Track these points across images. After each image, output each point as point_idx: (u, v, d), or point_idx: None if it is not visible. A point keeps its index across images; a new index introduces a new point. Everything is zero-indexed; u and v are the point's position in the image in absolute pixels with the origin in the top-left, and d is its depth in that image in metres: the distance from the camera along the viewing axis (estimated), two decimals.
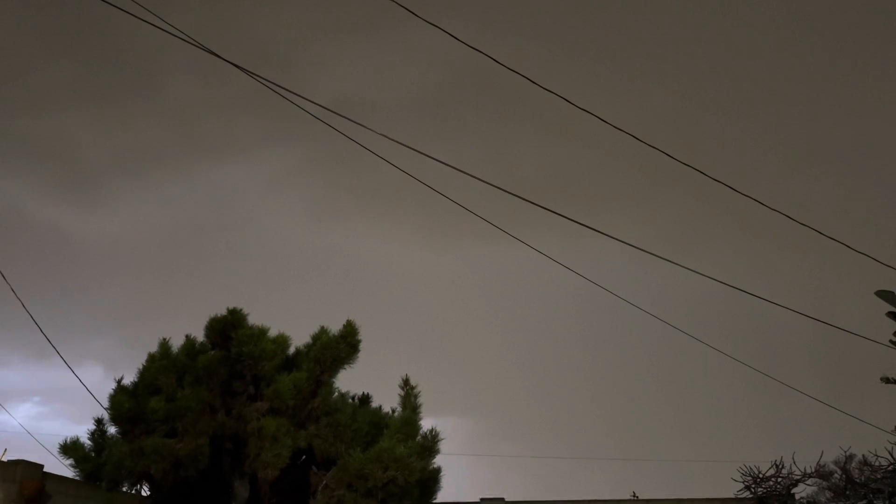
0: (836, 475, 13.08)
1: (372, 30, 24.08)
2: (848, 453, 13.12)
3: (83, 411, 10.84)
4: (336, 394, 11.21)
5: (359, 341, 11.03)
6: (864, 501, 12.70)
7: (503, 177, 9.45)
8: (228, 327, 10.80)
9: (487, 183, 8.83)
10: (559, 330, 27.58)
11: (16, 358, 26.17)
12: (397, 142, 8.56)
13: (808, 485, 13.35)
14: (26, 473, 10.21)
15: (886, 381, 7.92)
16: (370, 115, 8.89)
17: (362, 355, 11.08)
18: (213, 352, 10.94)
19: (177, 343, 11.26)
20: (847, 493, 12.84)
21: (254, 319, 10.95)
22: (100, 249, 28.38)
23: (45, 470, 10.61)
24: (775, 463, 13.30)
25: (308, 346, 11.12)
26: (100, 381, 12.13)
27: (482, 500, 13.96)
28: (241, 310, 10.99)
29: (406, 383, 11.21)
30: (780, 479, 13.23)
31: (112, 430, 10.77)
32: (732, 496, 13.48)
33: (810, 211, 10.02)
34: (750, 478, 13.40)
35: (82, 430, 11.03)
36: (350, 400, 11.87)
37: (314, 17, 24.77)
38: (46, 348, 11.24)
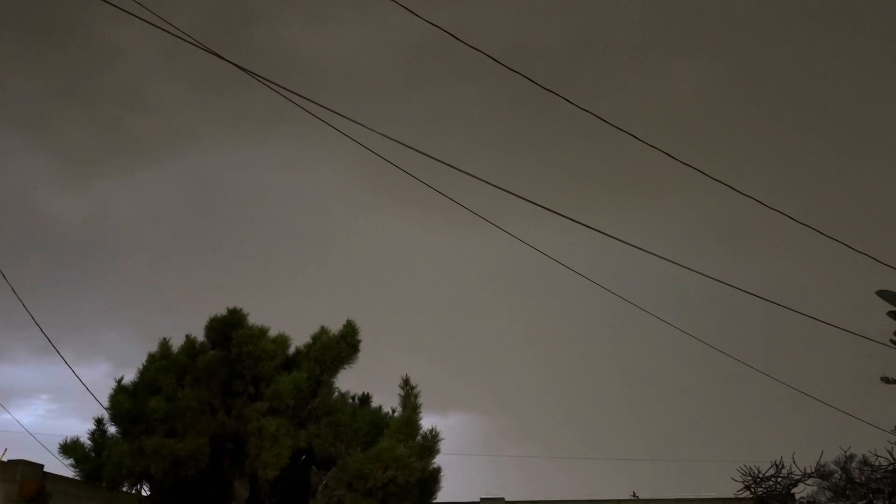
0: (836, 475, 13.08)
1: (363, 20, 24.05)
2: (848, 453, 13.12)
3: (93, 410, 10.82)
4: (336, 394, 11.20)
5: (359, 341, 11.03)
6: (864, 501, 12.69)
7: (503, 175, 9.46)
8: (228, 327, 10.79)
9: (487, 182, 8.84)
10: (559, 329, 27.59)
11: (22, 354, 26.13)
12: (397, 141, 8.56)
13: (808, 485, 13.36)
14: (26, 473, 10.22)
15: (886, 381, 7.91)
16: (369, 112, 8.88)
17: (362, 355, 11.09)
18: (213, 352, 10.94)
19: (177, 343, 11.26)
20: (847, 493, 12.83)
21: (254, 319, 10.96)
22: (106, 244, 28.37)
23: (45, 470, 10.62)
24: (775, 463, 13.31)
25: (308, 346, 11.12)
26: (108, 378, 12.11)
27: (482, 499, 13.97)
28: (241, 310, 10.98)
29: (406, 383, 11.20)
30: (780, 479, 13.23)
31: (112, 429, 10.76)
32: (732, 496, 13.48)
33: (810, 211, 10.02)
34: (750, 478, 13.40)
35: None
36: (350, 400, 11.86)
37: (313, 11, 24.82)
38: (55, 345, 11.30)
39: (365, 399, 12.25)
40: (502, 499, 13.86)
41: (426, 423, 10.78)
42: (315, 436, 10.48)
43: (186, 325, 11.38)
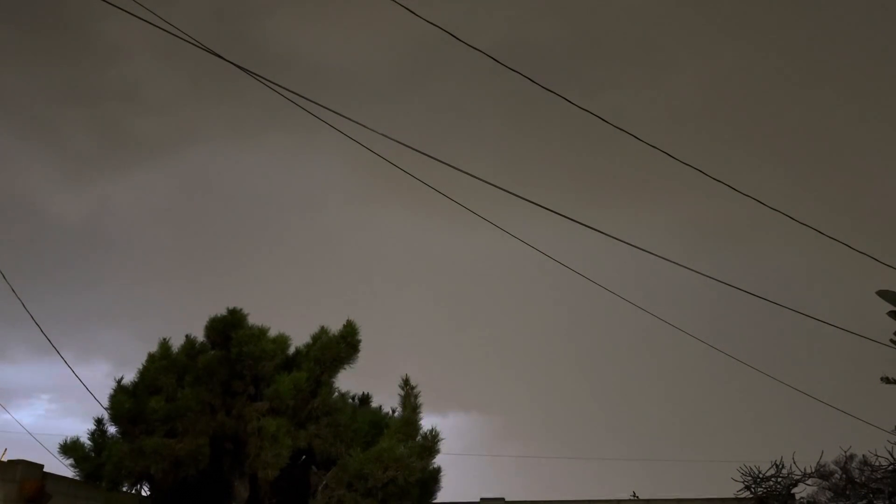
0: (836, 475, 13.08)
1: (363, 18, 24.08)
2: (848, 453, 13.11)
3: (93, 410, 10.83)
4: (336, 394, 11.20)
5: (359, 341, 11.01)
6: (864, 501, 12.69)
7: (503, 174, 9.46)
8: (228, 327, 10.79)
9: (487, 182, 8.84)
10: (560, 330, 27.59)
11: (22, 354, 26.14)
12: (397, 141, 8.56)
13: (808, 485, 13.35)
14: (26, 473, 10.21)
15: (886, 381, 7.90)
16: (369, 112, 8.88)
17: (362, 355, 11.08)
18: (213, 352, 10.93)
19: (177, 343, 11.26)
20: (847, 493, 12.83)
21: (254, 319, 10.95)
22: (106, 244, 28.38)
23: (45, 470, 10.61)
24: (775, 463, 13.30)
25: (308, 346, 11.11)
26: (108, 378, 12.11)
27: (482, 500, 13.96)
28: (241, 310, 10.98)
29: (406, 383, 11.19)
30: (780, 479, 13.22)
31: (112, 430, 10.76)
32: (732, 496, 13.48)
33: (810, 211, 10.02)
34: (750, 478, 13.39)
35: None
36: (350, 400, 11.87)
37: (313, 11, 24.83)
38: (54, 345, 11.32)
39: (365, 399, 12.25)
40: (502, 499, 13.86)
41: (426, 423, 10.79)
42: (315, 436, 10.47)
43: (186, 325, 11.40)
